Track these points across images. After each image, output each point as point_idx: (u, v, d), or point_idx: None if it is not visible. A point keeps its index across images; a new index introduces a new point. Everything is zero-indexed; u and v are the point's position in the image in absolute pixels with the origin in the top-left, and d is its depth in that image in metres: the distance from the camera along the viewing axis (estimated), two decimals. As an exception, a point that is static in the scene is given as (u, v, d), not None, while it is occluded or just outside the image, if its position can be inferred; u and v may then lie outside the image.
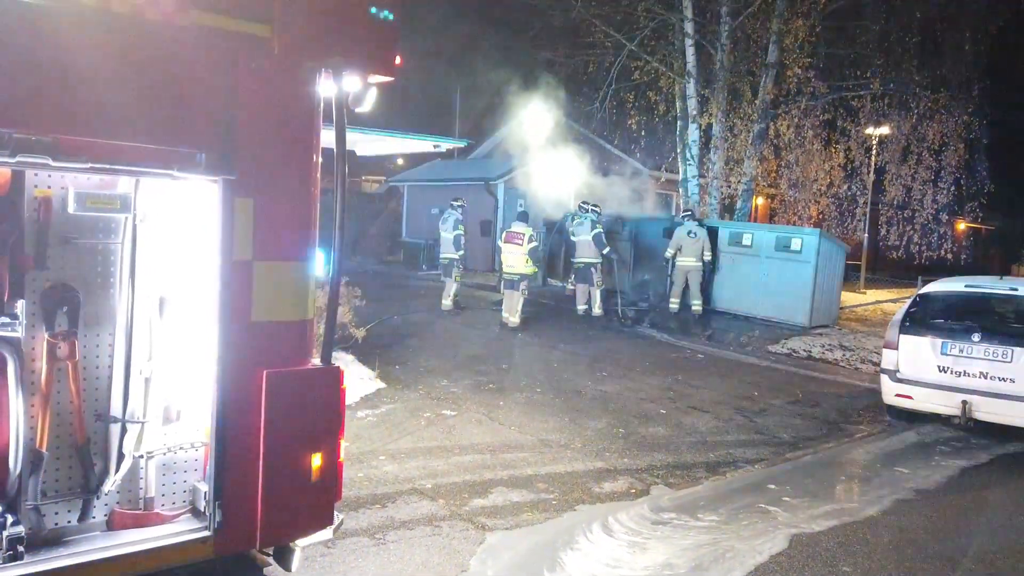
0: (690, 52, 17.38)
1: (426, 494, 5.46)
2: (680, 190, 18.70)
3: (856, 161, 18.88)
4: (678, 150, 18.58)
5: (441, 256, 14.28)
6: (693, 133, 17.79)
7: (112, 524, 3.35)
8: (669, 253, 14.19)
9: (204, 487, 3.39)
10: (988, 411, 7.40)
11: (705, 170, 18.10)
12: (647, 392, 9.11)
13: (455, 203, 14.29)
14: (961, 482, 6.60)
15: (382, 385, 8.40)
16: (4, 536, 2.85)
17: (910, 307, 8.35)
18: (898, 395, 7.98)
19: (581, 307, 13.94)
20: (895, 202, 18.80)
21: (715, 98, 17.24)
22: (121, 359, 3.40)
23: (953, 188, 18.18)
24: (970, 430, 7.80)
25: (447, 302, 13.75)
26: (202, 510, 3.40)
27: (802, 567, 4.70)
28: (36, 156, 2.72)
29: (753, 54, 17.52)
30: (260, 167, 3.22)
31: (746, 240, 14.48)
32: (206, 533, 3.25)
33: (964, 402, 7.44)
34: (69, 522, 3.29)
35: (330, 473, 3.47)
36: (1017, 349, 7.32)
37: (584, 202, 14.50)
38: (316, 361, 3.51)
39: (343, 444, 3.58)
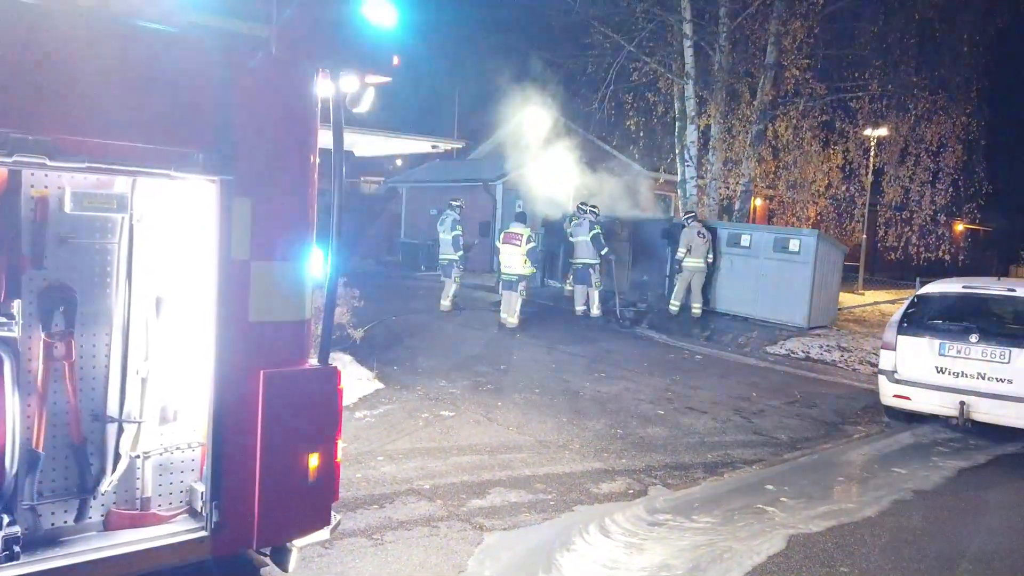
0: (689, 53, 17.39)
1: (424, 495, 5.46)
2: (678, 191, 18.70)
3: (854, 162, 18.89)
4: (676, 151, 18.59)
5: (440, 257, 14.30)
6: (691, 134, 17.79)
7: (109, 524, 3.34)
8: (681, 253, 14.08)
9: (201, 487, 3.39)
10: (986, 412, 7.41)
11: (703, 171, 18.10)
12: (645, 393, 9.11)
13: (454, 203, 14.29)
14: (959, 483, 6.60)
15: (380, 386, 8.39)
16: (1, 536, 2.84)
17: (908, 308, 8.36)
18: (896, 396, 7.99)
19: (579, 308, 13.94)
20: (893, 203, 18.81)
21: (713, 99, 17.25)
22: (118, 359, 3.40)
23: (951, 189, 18.17)
24: (968, 431, 7.81)
25: (445, 303, 13.75)
26: (199, 510, 3.39)
27: (800, 568, 4.70)
28: (33, 156, 2.72)
29: (751, 55, 17.52)
30: (258, 167, 3.22)
31: (744, 241, 14.48)
32: (203, 533, 3.24)
33: (962, 403, 7.45)
34: (66, 522, 3.28)
35: (327, 473, 3.46)
36: (1015, 350, 7.33)
37: (582, 203, 14.50)
38: (314, 361, 3.51)
39: (341, 444, 3.58)
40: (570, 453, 6.65)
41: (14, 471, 3.02)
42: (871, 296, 21.85)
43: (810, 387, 10.21)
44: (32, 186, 3.14)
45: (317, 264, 3.45)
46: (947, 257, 19.26)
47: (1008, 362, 7.35)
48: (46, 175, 3.12)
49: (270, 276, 3.29)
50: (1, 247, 3.02)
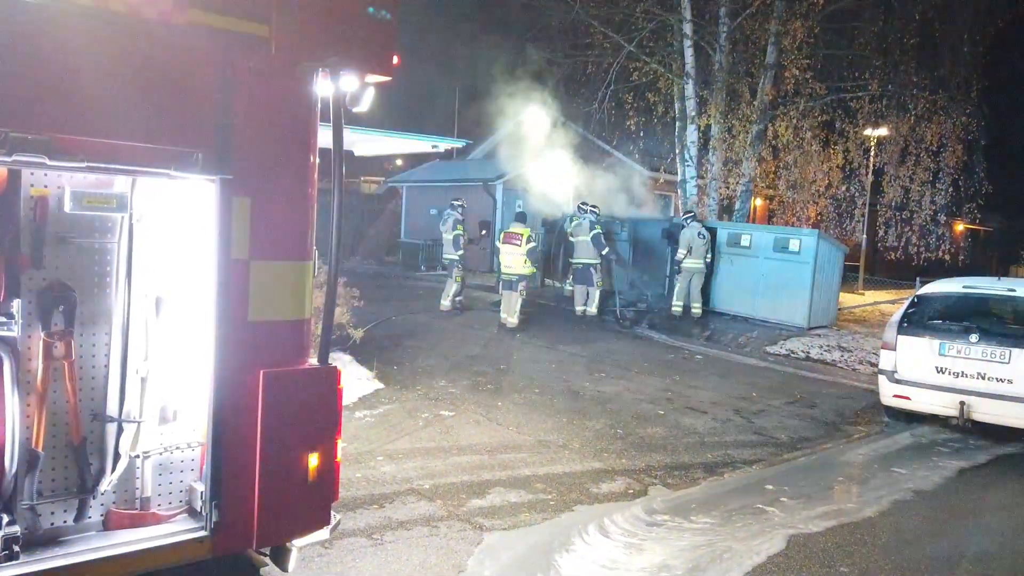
0: (689, 53, 17.39)
1: (424, 494, 5.46)
2: (679, 191, 18.70)
3: (854, 162, 18.88)
4: (677, 151, 18.59)
5: (444, 257, 14.41)
6: (692, 134, 17.79)
7: (108, 524, 3.34)
8: (681, 255, 14.05)
9: (200, 487, 3.38)
10: (986, 412, 7.41)
11: (704, 171, 18.10)
12: (645, 393, 9.11)
13: (455, 203, 14.32)
14: (959, 483, 6.60)
15: (380, 385, 8.39)
16: (0, 536, 2.84)
17: (908, 308, 8.36)
18: (896, 396, 7.98)
19: (580, 308, 13.94)
20: (893, 203, 18.80)
21: (714, 99, 17.24)
22: (117, 358, 3.39)
23: (951, 189, 18.17)
24: (968, 431, 7.81)
25: (445, 302, 13.76)
26: (198, 510, 3.39)
27: (800, 568, 4.70)
28: (32, 155, 2.71)
29: (752, 55, 17.52)
30: (257, 166, 3.21)
31: (744, 241, 14.48)
32: (202, 533, 3.24)
33: (962, 403, 7.45)
34: (65, 522, 3.28)
35: (327, 473, 3.46)
36: (1015, 350, 7.33)
37: (583, 203, 14.49)
38: (313, 361, 3.50)
39: (340, 444, 3.57)
40: (570, 453, 6.65)
41: (13, 471, 3.02)
42: (871, 296, 21.85)
43: (810, 387, 10.21)
44: (32, 185, 3.13)
45: (317, 264, 3.45)
46: (947, 257, 19.25)
47: (1008, 362, 7.35)
48: (45, 174, 3.11)
49: (269, 275, 3.29)
50: (1, 246, 3.02)
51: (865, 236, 22.94)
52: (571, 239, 14.11)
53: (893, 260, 21.10)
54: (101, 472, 3.37)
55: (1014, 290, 7.91)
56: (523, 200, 20.04)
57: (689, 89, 17.59)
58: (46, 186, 3.16)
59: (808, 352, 12.28)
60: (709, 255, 14.14)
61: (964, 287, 8.33)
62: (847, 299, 19.19)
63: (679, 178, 18.51)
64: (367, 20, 3.38)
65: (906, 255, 19.40)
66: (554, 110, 17.82)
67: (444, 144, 14.15)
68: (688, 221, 14.35)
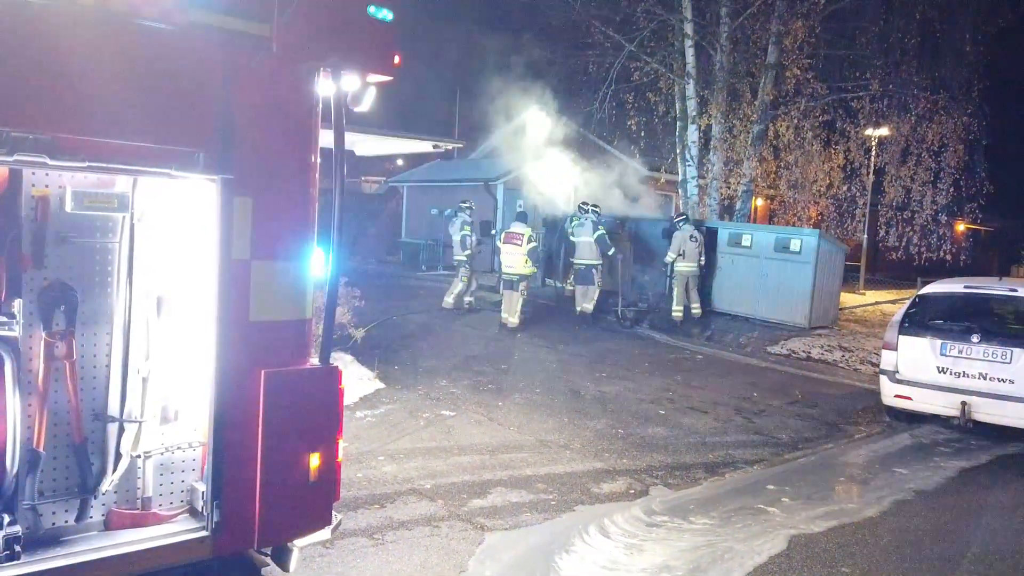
0: (690, 53, 17.38)
1: (425, 494, 5.45)
2: (680, 191, 18.69)
3: (855, 162, 18.85)
4: (677, 151, 18.58)
5: (454, 257, 14.51)
6: (692, 134, 17.78)
7: (110, 524, 3.34)
8: (671, 258, 13.96)
9: (202, 487, 3.38)
10: (987, 412, 7.40)
11: (705, 171, 18.09)
12: (646, 393, 9.11)
13: (463, 204, 14.40)
14: (960, 483, 6.59)
15: (381, 385, 8.39)
16: (1, 536, 2.84)
17: (909, 308, 8.35)
18: (897, 396, 7.98)
19: (580, 308, 13.91)
20: (894, 203, 18.78)
21: (715, 99, 17.24)
22: (119, 358, 3.39)
23: (952, 189, 18.14)
24: (969, 431, 7.80)
25: (449, 300, 13.88)
26: (200, 510, 3.39)
27: (801, 568, 4.69)
28: (34, 155, 2.71)
29: (753, 55, 17.51)
30: (259, 166, 3.21)
31: (745, 241, 14.46)
32: (204, 533, 3.24)
33: (963, 403, 7.44)
34: (66, 522, 3.28)
35: (328, 473, 3.46)
36: (1016, 350, 7.32)
37: (584, 203, 14.46)
38: (315, 361, 3.50)
39: (342, 444, 3.57)
40: (571, 453, 6.64)
41: (15, 471, 3.02)
42: (872, 296, 21.84)
43: (811, 387, 10.20)
44: (33, 185, 3.13)
45: (318, 263, 3.45)
46: (948, 257, 19.22)
47: (1010, 362, 7.34)
48: (47, 174, 3.11)
49: (271, 275, 3.28)
50: (2, 246, 3.02)
51: (866, 236, 22.90)
52: (572, 239, 14.08)
53: (894, 260, 21.08)
54: (102, 472, 3.37)
55: (1015, 290, 7.90)
56: (524, 200, 20.03)
57: (690, 89, 17.57)
58: (47, 186, 3.16)
59: (809, 352, 12.27)
60: (703, 257, 14.06)
61: (965, 287, 8.32)
62: (848, 299, 19.19)
63: (680, 178, 18.50)
64: (368, 20, 3.38)
65: (907, 255, 19.37)
66: (555, 110, 17.82)
67: (445, 144, 14.15)
68: (680, 223, 14.15)
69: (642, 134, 19.27)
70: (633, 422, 7.77)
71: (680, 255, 13.84)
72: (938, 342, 7.78)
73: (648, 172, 21.22)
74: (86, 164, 2.84)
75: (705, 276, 14.57)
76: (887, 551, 5.04)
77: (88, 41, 2.79)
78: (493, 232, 14.98)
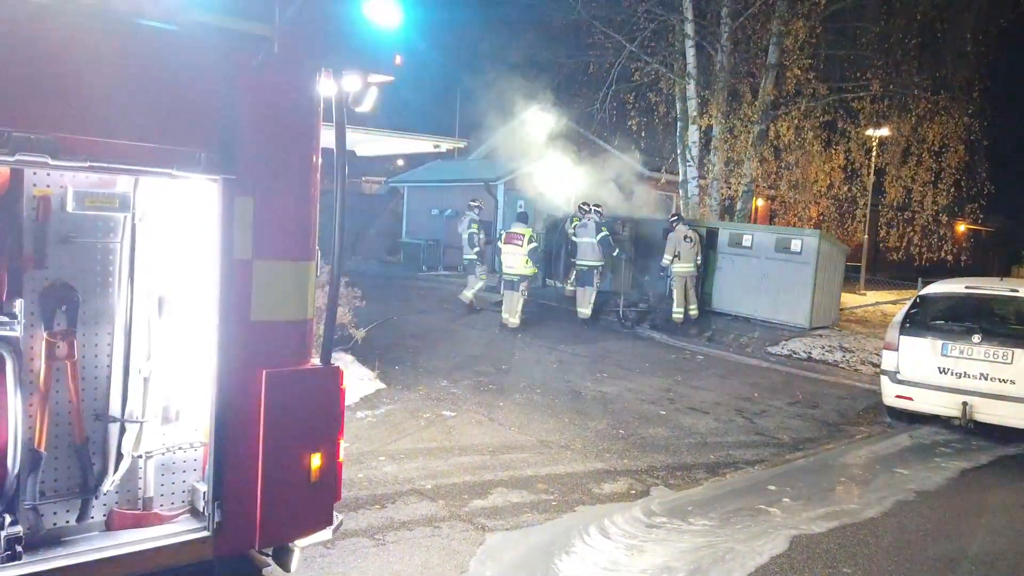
0: (690, 53, 17.37)
1: (426, 495, 5.45)
2: (680, 191, 18.68)
3: (856, 162, 18.84)
4: (678, 151, 18.57)
5: (463, 256, 14.64)
6: (693, 134, 17.77)
7: (111, 524, 3.34)
8: (667, 259, 13.91)
9: (203, 487, 3.38)
10: (988, 412, 7.39)
11: (705, 171, 18.08)
12: (647, 393, 9.11)
13: (472, 204, 14.53)
14: (961, 484, 6.59)
15: (382, 386, 8.39)
16: (2, 536, 2.84)
17: (910, 308, 8.35)
18: (898, 396, 7.97)
19: (580, 312, 13.87)
20: (895, 203, 18.78)
21: (715, 99, 17.22)
22: (120, 358, 3.39)
23: (953, 190, 18.13)
24: (970, 431, 7.80)
25: (468, 294, 14.08)
26: (201, 510, 3.39)
27: (802, 568, 4.69)
28: (35, 155, 2.71)
29: (753, 55, 17.49)
30: (260, 166, 3.21)
31: (746, 241, 14.45)
32: (205, 533, 3.23)
33: (964, 403, 7.44)
34: (68, 522, 3.28)
35: (329, 473, 3.45)
36: (1017, 350, 7.32)
37: (584, 203, 14.44)
38: (316, 361, 3.50)
39: (343, 444, 3.57)
40: (572, 453, 6.64)
41: (16, 471, 3.01)
42: (873, 296, 21.82)
43: (812, 387, 10.20)
44: (34, 185, 3.13)
45: (319, 263, 3.45)
46: (949, 257, 19.20)
47: (1011, 363, 7.33)
48: (48, 174, 3.11)
49: (272, 275, 3.28)
50: (3, 246, 3.02)
51: (867, 236, 22.90)
52: (573, 239, 14.05)
53: (895, 260, 21.06)
54: (103, 472, 3.37)
55: (1016, 291, 7.89)
56: (524, 200, 20.04)
57: (691, 89, 17.57)
58: (49, 186, 3.16)
59: (810, 352, 12.27)
60: (699, 257, 14.04)
61: (966, 287, 8.31)
62: (849, 299, 19.17)
63: (680, 178, 18.49)
64: (369, 20, 3.38)
65: (908, 255, 19.37)
66: (555, 110, 17.83)
67: (446, 144, 14.14)
68: (675, 224, 14.05)
69: (643, 134, 19.26)
70: (634, 422, 7.77)
71: (676, 256, 13.79)
72: (939, 342, 7.78)
73: (649, 172, 21.22)
74: (87, 164, 2.84)
75: (705, 276, 14.57)
76: (888, 551, 5.04)
77: (89, 41, 2.79)
78: (501, 233, 14.99)
